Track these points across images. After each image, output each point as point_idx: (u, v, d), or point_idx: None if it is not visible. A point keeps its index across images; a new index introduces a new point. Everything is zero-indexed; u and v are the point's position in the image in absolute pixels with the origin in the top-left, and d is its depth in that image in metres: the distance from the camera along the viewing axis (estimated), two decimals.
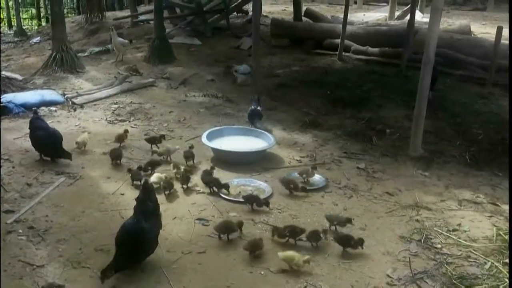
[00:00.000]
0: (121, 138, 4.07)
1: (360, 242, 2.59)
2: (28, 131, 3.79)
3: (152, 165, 3.53)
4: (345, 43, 7.53)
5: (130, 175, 3.35)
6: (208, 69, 6.87)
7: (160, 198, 3.02)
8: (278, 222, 2.89)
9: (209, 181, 3.28)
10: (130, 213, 2.57)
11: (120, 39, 7.35)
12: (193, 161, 3.71)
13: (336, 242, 2.64)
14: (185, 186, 3.31)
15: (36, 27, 12.60)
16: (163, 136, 4.03)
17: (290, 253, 2.46)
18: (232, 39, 8.70)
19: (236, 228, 2.72)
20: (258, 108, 4.51)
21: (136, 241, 2.32)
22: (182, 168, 3.51)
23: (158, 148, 3.93)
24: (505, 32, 6.26)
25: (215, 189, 3.25)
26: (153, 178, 3.27)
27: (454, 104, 5.42)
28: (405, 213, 3.09)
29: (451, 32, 7.51)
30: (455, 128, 4.74)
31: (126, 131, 4.14)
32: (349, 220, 2.82)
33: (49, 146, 3.64)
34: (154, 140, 4.01)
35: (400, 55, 6.97)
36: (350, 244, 2.60)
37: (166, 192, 3.22)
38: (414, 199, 3.28)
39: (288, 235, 2.67)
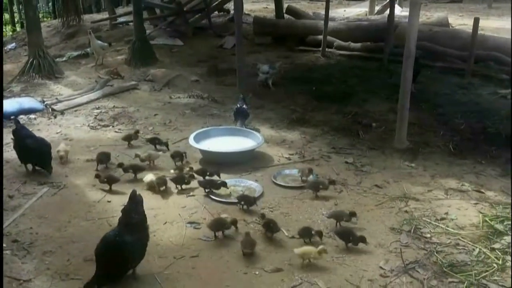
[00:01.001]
0: (129, 137, 4.06)
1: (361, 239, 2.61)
2: (8, 141, 3.65)
3: (135, 169, 3.47)
4: (328, 39, 7.57)
5: (105, 179, 3.28)
6: (192, 70, 6.79)
7: (151, 203, 2.97)
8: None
9: (206, 183, 3.25)
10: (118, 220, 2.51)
11: (99, 42, 7.16)
12: (182, 162, 3.68)
13: (338, 236, 2.66)
14: (179, 187, 3.30)
15: (10, 33, 12.15)
16: (166, 143, 3.98)
17: (305, 248, 2.48)
18: (215, 39, 8.62)
19: (229, 225, 2.71)
20: (244, 106, 4.49)
21: (116, 255, 2.19)
22: (185, 169, 3.51)
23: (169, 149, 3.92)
24: (481, 23, 6.44)
25: (211, 190, 3.23)
26: (148, 179, 3.25)
27: (436, 96, 5.54)
28: (394, 204, 3.14)
29: (430, 25, 7.66)
30: (438, 119, 4.84)
31: (137, 132, 4.15)
32: (353, 214, 2.83)
33: (38, 154, 3.48)
34: (155, 141, 3.99)
35: (381, 49, 7.07)
36: (350, 240, 2.61)
37: (161, 188, 3.23)
38: (402, 190, 3.33)
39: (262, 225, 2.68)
